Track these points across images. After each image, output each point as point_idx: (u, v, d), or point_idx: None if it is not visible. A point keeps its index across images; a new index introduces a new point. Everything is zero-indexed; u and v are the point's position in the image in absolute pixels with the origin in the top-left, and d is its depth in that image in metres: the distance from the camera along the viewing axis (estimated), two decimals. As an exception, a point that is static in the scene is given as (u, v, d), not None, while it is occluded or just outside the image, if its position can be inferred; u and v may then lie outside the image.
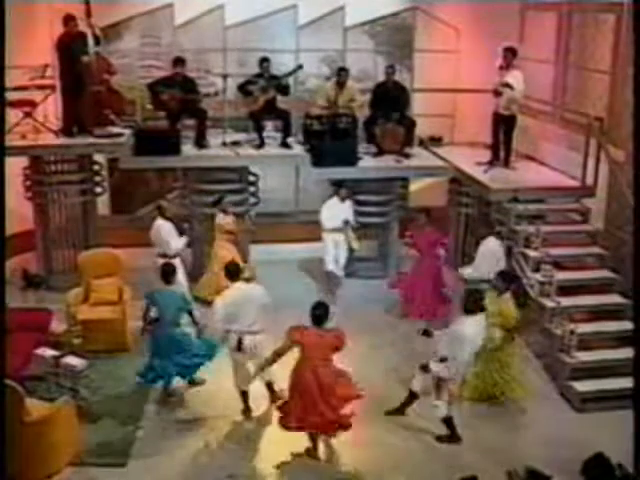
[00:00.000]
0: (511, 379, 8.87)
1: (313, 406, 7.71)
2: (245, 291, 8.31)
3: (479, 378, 8.85)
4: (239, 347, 8.22)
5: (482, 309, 7.88)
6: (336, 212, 11.15)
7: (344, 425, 7.86)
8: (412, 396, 8.44)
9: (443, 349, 7.88)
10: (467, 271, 10.10)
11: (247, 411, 8.63)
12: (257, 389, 8.64)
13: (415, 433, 8.37)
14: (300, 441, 8.00)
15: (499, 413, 8.82)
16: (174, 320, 8.68)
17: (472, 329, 7.74)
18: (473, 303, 7.84)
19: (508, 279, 8.83)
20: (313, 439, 8.04)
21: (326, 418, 7.73)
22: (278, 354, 7.85)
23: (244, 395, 8.59)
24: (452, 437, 8.18)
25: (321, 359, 7.75)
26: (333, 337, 7.88)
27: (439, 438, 8.22)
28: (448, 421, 8.15)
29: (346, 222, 11.11)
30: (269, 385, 8.68)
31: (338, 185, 11.41)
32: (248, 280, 8.93)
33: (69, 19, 11.07)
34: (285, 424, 7.91)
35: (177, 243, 10.38)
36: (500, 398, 8.89)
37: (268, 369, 8.32)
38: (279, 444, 8.13)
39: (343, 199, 11.26)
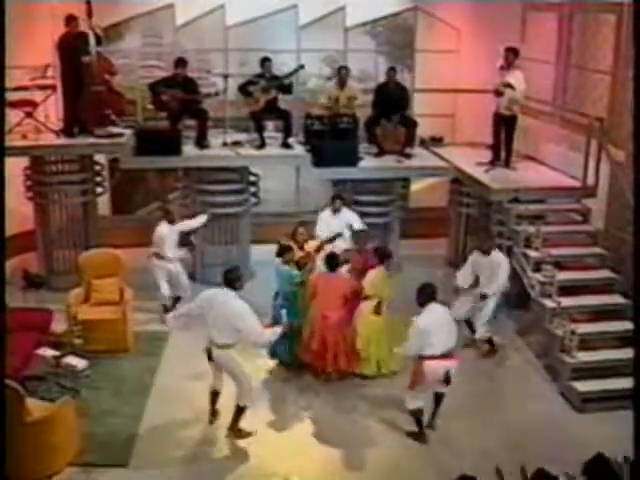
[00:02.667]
0: (386, 352, 9.33)
1: (324, 346, 8.95)
2: (217, 298, 7.93)
3: (367, 349, 9.39)
4: (209, 357, 8.05)
5: (433, 300, 7.98)
6: (329, 224, 10.75)
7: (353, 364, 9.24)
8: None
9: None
10: (490, 291, 9.81)
11: (212, 414, 8.50)
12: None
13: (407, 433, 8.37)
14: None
15: (499, 413, 8.83)
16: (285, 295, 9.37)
17: (424, 320, 7.85)
18: (425, 296, 7.98)
19: (382, 254, 9.57)
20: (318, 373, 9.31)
21: (337, 357, 9.05)
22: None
23: (213, 396, 8.44)
24: (418, 434, 8.24)
25: (330, 302, 8.98)
26: (344, 283, 9.22)
27: (408, 434, 8.29)
28: (415, 413, 8.17)
29: (337, 235, 10.51)
30: (214, 394, 8.47)
31: (335, 197, 11.08)
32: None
33: (71, 19, 11.09)
34: (304, 358, 9.24)
35: (174, 252, 10.67)
36: (383, 370, 9.45)
37: (220, 379, 8.33)
38: (280, 443, 8.19)
39: (336, 211, 10.79)
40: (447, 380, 7.92)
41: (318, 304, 9.11)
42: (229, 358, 7.99)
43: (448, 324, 7.97)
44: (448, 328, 7.94)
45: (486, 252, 9.82)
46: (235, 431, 8.21)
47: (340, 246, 10.27)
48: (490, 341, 10.12)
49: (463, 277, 10.09)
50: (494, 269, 9.74)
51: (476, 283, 9.98)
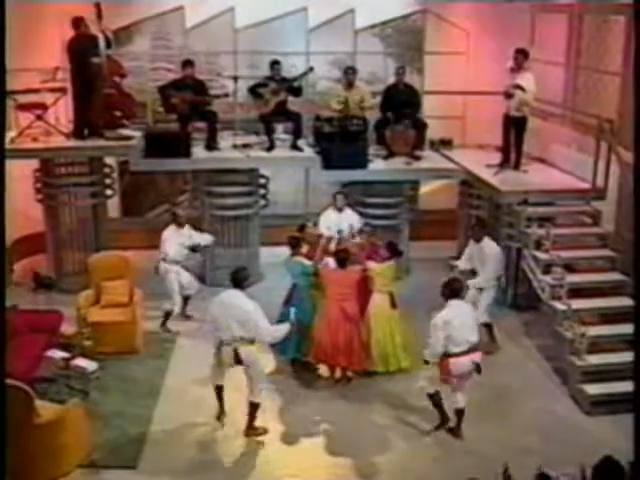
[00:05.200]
0: (399, 348, 9.49)
1: (342, 340, 8.99)
2: (225, 298, 8.06)
3: (379, 345, 9.42)
4: (237, 360, 8.00)
5: (458, 295, 8.06)
6: (333, 222, 10.72)
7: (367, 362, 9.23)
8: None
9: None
10: (475, 281, 9.98)
11: (220, 412, 8.51)
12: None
13: (420, 435, 8.38)
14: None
15: (509, 416, 8.82)
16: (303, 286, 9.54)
17: (444, 315, 7.90)
18: (449, 290, 8.05)
19: (395, 250, 9.69)
20: (332, 369, 9.41)
21: (353, 352, 9.06)
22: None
23: (218, 391, 8.44)
24: (441, 422, 8.30)
25: (344, 294, 9.08)
26: (354, 273, 9.24)
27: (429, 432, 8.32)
28: (433, 397, 8.21)
29: (339, 231, 10.40)
30: (219, 388, 8.48)
31: (337, 193, 11.14)
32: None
33: (78, 21, 11.08)
34: (315, 358, 9.28)
35: (178, 254, 10.63)
36: (391, 367, 9.48)
37: (223, 374, 8.34)
38: (288, 444, 8.22)
39: (339, 209, 10.84)
40: (478, 370, 7.97)
41: (333, 298, 9.15)
42: (255, 357, 8.11)
43: (471, 320, 8.05)
44: (471, 324, 8.02)
45: (477, 240, 10.04)
46: (252, 429, 8.23)
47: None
48: (489, 328, 10.08)
49: (461, 262, 10.33)
50: (484, 257, 9.91)
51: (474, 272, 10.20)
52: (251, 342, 8.02)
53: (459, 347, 7.87)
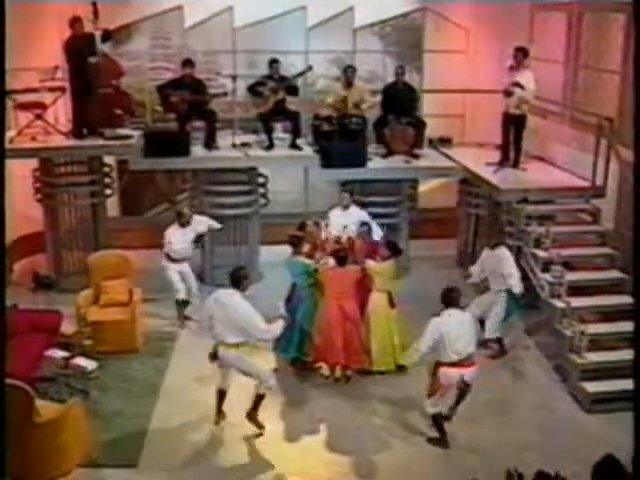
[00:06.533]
0: (397, 347, 9.46)
1: (341, 338, 9.06)
2: (221, 297, 7.99)
3: (378, 344, 9.44)
4: (214, 356, 8.04)
5: (456, 304, 7.98)
6: (339, 220, 10.65)
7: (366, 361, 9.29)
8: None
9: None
10: (517, 290, 9.67)
11: (219, 414, 8.49)
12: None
13: (419, 434, 8.37)
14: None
15: (509, 414, 8.84)
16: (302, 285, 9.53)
17: (442, 321, 7.83)
18: (447, 299, 7.96)
19: (394, 249, 9.66)
20: (332, 369, 9.27)
21: (352, 351, 9.15)
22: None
23: (220, 395, 8.44)
24: (440, 439, 8.18)
25: (343, 293, 9.16)
26: (354, 272, 9.24)
27: (429, 440, 8.24)
28: (436, 419, 8.14)
29: (345, 227, 10.30)
30: (221, 393, 8.47)
31: (343, 191, 11.18)
32: None
33: (75, 21, 11.06)
34: (315, 356, 9.28)
35: (183, 253, 10.69)
36: (391, 367, 9.48)
37: (228, 378, 8.34)
38: (289, 443, 8.22)
39: (345, 207, 10.87)
40: (465, 384, 7.93)
41: (332, 296, 9.18)
42: (239, 358, 8.02)
43: (468, 330, 7.95)
44: (467, 334, 7.91)
45: (493, 247, 9.93)
46: (252, 418, 8.26)
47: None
48: (500, 341, 10.11)
49: (475, 272, 10.19)
50: (497, 264, 9.78)
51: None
52: (236, 347, 7.96)
53: (448, 358, 7.81)
